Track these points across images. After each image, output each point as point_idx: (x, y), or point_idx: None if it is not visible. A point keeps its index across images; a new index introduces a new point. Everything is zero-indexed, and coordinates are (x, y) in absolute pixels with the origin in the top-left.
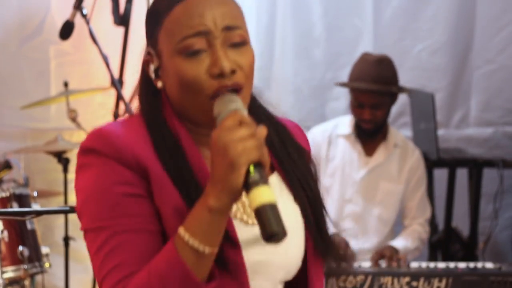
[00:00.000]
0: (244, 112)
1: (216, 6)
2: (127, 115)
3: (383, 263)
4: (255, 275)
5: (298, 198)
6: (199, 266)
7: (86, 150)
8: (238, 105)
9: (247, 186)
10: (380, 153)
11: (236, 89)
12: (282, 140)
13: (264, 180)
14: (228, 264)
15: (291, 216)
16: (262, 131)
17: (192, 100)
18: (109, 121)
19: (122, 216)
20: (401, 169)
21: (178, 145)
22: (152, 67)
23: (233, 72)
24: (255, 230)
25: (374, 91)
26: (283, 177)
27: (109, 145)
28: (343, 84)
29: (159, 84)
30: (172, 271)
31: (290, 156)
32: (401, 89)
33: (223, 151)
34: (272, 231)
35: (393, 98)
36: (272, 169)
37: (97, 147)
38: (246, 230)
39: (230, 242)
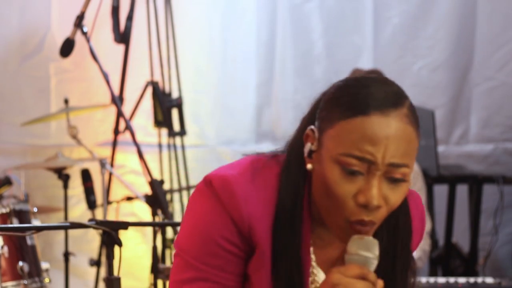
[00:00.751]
0: (373, 263)
1: (392, 140)
2: (266, 158)
3: None
4: None
5: None
6: None
7: (209, 185)
8: (371, 255)
9: None
10: None
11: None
12: (394, 250)
13: None
14: None
15: None
16: (380, 284)
17: (331, 211)
18: (243, 168)
19: (217, 268)
20: None
21: (297, 231)
22: (309, 145)
23: (378, 208)
24: None
25: None
26: None
27: (232, 205)
28: None
29: (309, 166)
30: None
31: (391, 269)
32: None
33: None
34: None
35: None
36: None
37: (222, 197)
38: None
39: None
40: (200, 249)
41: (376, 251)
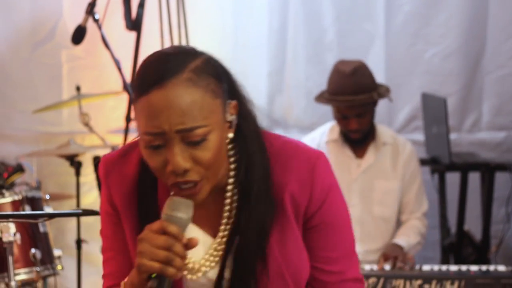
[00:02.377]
0: (184, 223)
1: (171, 106)
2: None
3: (390, 264)
4: None
5: (222, 259)
6: None
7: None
8: (180, 215)
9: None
10: (371, 153)
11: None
12: (249, 185)
13: None
14: None
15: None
16: (193, 241)
17: (158, 177)
18: (125, 145)
19: (110, 238)
20: (395, 166)
21: (155, 209)
22: None
23: (186, 171)
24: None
25: (356, 103)
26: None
27: (102, 179)
28: (323, 101)
29: None
30: None
31: (247, 206)
32: (381, 94)
33: (138, 253)
34: None
35: (375, 102)
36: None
37: (100, 173)
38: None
39: None
40: (101, 223)
41: (185, 212)
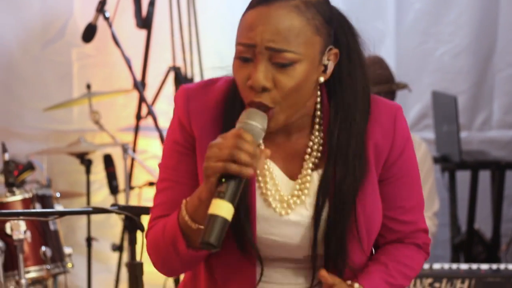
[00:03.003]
0: (258, 132)
1: (269, 22)
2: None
3: None
4: (267, 249)
5: (316, 204)
6: (190, 236)
7: (175, 98)
8: (254, 123)
9: (217, 192)
10: None
11: (263, 107)
12: (348, 143)
13: (226, 195)
14: (242, 236)
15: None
16: (265, 152)
17: (242, 96)
18: (205, 79)
19: (171, 168)
20: None
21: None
22: None
23: (264, 89)
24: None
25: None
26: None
27: (181, 106)
28: None
29: None
30: (170, 230)
31: (342, 161)
32: (400, 85)
33: (206, 157)
34: (207, 240)
35: (392, 96)
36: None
37: (176, 103)
38: (268, 210)
39: (247, 217)
40: (163, 155)
41: (260, 122)
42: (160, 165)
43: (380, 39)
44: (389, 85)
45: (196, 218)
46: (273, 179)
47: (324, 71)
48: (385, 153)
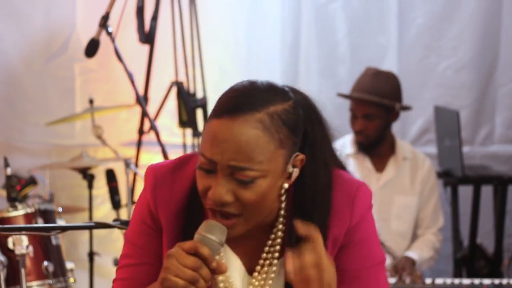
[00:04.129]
0: (216, 247)
1: (232, 140)
2: (191, 152)
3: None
4: None
5: None
6: None
7: (144, 177)
8: (213, 238)
9: None
10: (390, 168)
11: (227, 214)
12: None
13: None
14: None
15: None
16: (221, 267)
17: (202, 201)
18: (174, 159)
19: (141, 248)
20: (413, 181)
21: (201, 216)
22: None
23: (224, 204)
24: None
25: (363, 101)
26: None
27: (149, 192)
28: (340, 95)
29: None
30: None
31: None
32: (403, 107)
33: (164, 268)
34: None
35: (390, 112)
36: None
37: (145, 185)
38: None
39: None
40: (131, 230)
41: (218, 236)
42: (126, 237)
43: (382, 54)
44: (381, 98)
45: None
46: (228, 276)
47: (289, 177)
48: (340, 239)
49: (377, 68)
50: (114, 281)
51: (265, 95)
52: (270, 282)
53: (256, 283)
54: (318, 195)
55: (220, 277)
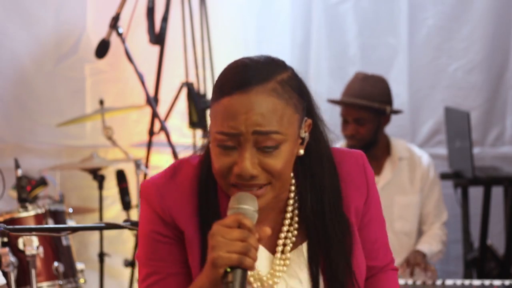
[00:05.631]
0: (252, 215)
1: (252, 109)
2: (188, 157)
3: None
4: None
5: (312, 276)
6: None
7: (141, 195)
8: (247, 207)
9: (223, 283)
10: (387, 170)
11: (255, 186)
12: (322, 210)
13: (236, 285)
14: None
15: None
16: (265, 231)
17: (223, 186)
18: (165, 170)
19: (160, 260)
20: (413, 179)
21: (217, 215)
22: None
23: (252, 177)
24: None
25: (354, 105)
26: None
27: (157, 204)
28: (330, 100)
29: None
30: None
31: (323, 230)
32: (383, 107)
33: (211, 247)
34: None
35: (381, 116)
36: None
37: (146, 199)
38: None
39: None
40: (144, 249)
41: (252, 204)
42: (140, 260)
43: (392, 55)
44: (371, 102)
45: None
46: None
47: (302, 143)
48: (361, 209)
49: (366, 73)
50: None
51: (268, 66)
52: (300, 261)
53: (278, 263)
54: (322, 159)
55: None
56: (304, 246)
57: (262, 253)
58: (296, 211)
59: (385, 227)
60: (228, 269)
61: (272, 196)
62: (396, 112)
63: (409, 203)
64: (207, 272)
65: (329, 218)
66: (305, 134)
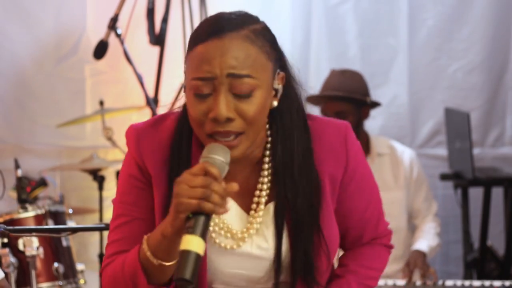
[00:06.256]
0: (221, 166)
1: (227, 52)
2: (173, 110)
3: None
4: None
5: (277, 234)
6: (151, 271)
7: (125, 138)
8: (217, 157)
9: (185, 229)
10: None
11: (230, 134)
12: (291, 162)
13: (197, 230)
14: None
15: (266, 247)
16: (232, 187)
17: (198, 133)
18: (152, 117)
19: (131, 204)
20: (396, 176)
21: (188, 165)
22: None
23: (228, 120)
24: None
25: (332, 97)
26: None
27: (133, 146)
28: (310, 97)
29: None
30: (130, 266)
31: (292, 183)
32: (363, 98)
33: (175, 194)
34: (182, 276)
35: (360, 108)
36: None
37: (126, 141)
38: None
39: None
40: (119, 191)
41: (223, 155)
42: (115, 202)
43: (392, 55)
44: (349, 94)
45: (158, 254)
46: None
47: (275, 95)
48: (339, 178)
49: (341, 68)
50: (107, 245)
51: (241, 17)
52: (267, 220)
53: (254, 221)
54: (292, 114)
55: (216, 219)
56: (272, 204)
57: (237, 211)
58: (271, 170)
59: (378, 201)
60: (190, 215)
61: (246, 146)
62: (375, 104)
63: (393, 200)
64: (170, 218)
65: (298, 171)
66: (278, 86)
